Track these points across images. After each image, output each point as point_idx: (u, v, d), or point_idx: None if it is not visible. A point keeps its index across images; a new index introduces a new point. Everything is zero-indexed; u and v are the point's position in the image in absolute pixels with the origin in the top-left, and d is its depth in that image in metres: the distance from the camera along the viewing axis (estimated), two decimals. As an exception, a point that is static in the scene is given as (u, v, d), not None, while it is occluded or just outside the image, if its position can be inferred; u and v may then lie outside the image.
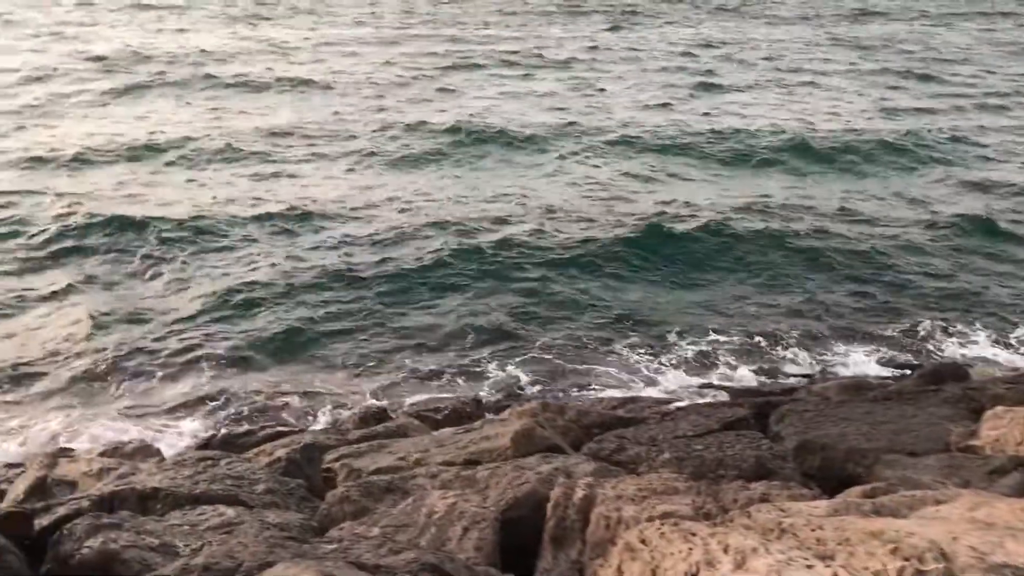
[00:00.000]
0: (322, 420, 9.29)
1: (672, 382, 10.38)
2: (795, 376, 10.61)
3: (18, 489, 6.61)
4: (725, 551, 3.86)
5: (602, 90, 27.30)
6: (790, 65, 32.49)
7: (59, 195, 16.35)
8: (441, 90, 27.02)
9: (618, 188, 17.53)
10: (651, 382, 10.41)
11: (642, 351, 11.08)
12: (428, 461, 6.65)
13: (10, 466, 7.78)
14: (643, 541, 4.10)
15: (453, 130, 21.08)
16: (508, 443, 6.74)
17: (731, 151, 20.08)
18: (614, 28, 42.87)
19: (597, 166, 19.02)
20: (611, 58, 33.59)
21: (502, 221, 15.37)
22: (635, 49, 35.93)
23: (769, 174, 18.84)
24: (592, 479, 5.47)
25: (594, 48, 36.01)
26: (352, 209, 15.92)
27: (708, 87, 28.02)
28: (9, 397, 9.74)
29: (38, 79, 27.42)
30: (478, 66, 31.30)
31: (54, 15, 44.26)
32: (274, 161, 18.91)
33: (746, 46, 37.32)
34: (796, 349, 11.26)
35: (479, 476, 6.08)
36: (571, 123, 22.44)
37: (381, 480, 6.12)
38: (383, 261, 13.41)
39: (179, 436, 8.94)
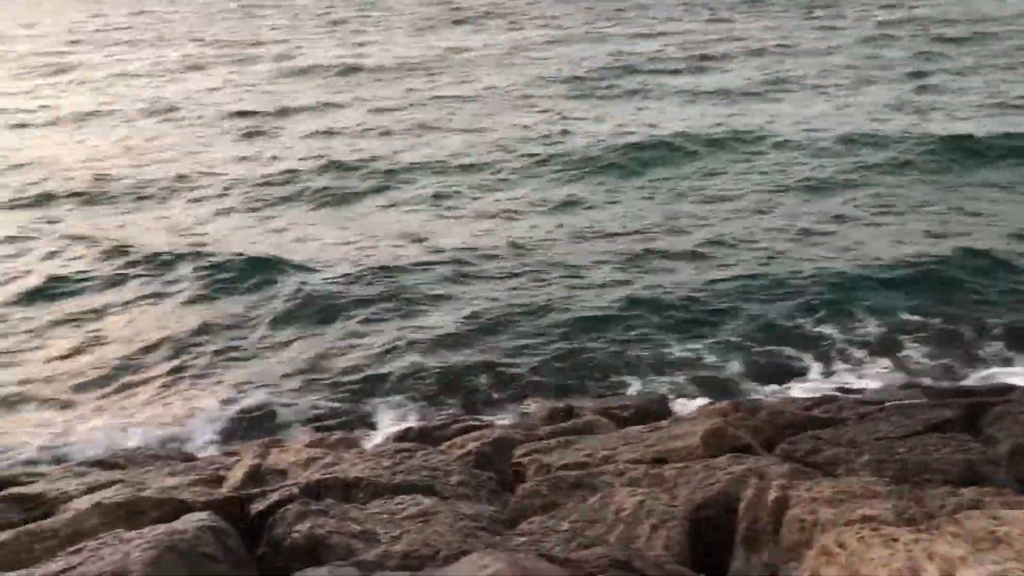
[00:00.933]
0: (511, 416, 9.50)
1: (871, 380, 9.92)
2: (1008, 374, 9.88)
3: (235, 476, 7.10)
4: (930, 559, 3.66)
5: (794, 89, 25.98)
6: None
7: (271, 209, 17.52)
8: (630, 91, 26.75)
9: (812, 190, 16.74)
10: (848, 379, 9.99)
11: (838, 347, 10.66)
12: (615, 458, 6.66)
13: (228, 454, 8.40)
14: (840, 545, 3.95)
15: (644, 140, 20.47)
16: (698, 442, 6.65)
17: (957, 150, 18.20)
18: (809, 14, 41.22)
19: (792, 174, 17.97)
20: (805, 50, 32.12)
21: (699, 226, 15.09)
22: (832, 36, 34.23)
23: (996, 170, 17.19)
24: (786, 481, 5.32)
25: (785, 39, 34.62)
26: (542, 211, 16.15)
27: (916, 75, 25.98)
28: (228, 395, 10.52)
29: (244, 93, 29.47)
30: (669, 62, 30.90)
31: (254, 31, 47.35)
32: (461, 174, 19.28)
33: (964, 24, 34.65)
34: (1007, 342, 10.49)
35: (667, 475, 6.03)
36: (770, 124, 21.42)
37: (569, 476, 6.18)
38: (571, 277, 13.31)
39: (378, 429, 9.40)
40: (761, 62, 29.90)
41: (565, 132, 21.96)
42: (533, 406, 9.60)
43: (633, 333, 11.33)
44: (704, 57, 31.24)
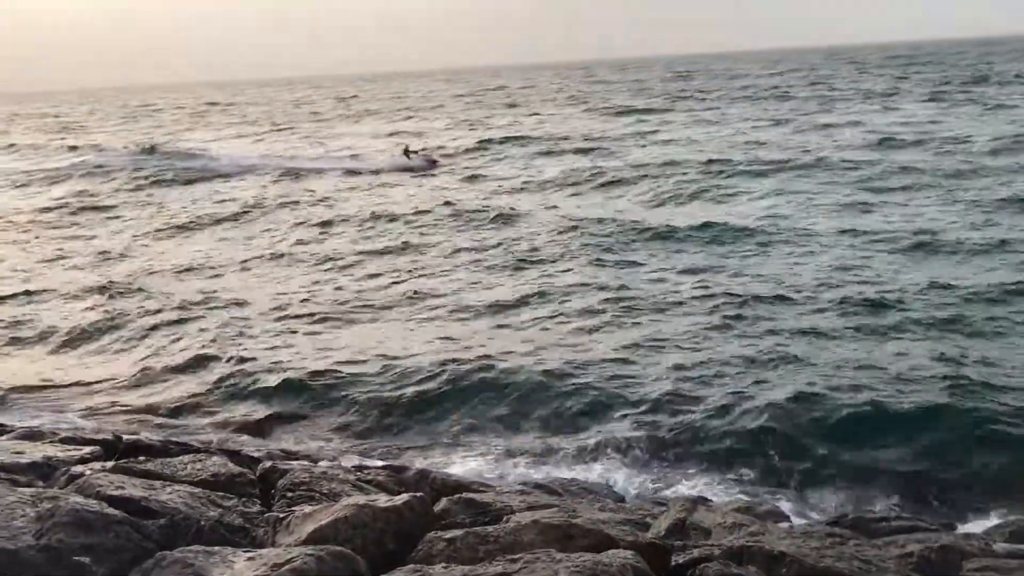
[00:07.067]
0: (963, 524, 8.49)
1: None
2: None
3: (661, 525, 7.21)
4: None
5: None
6: None
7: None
8: None
9: None
10: None
11: None
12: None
13: (656, 503, 8.57)
14: None
15: None
16: None
17: None
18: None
19: None
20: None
21: None
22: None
23: None
24: None
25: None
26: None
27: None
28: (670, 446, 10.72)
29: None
30: None
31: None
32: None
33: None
34: None
35: None
36: None
37: (1030, 603, 5.38)
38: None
39: (807, 508, 8.95)
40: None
41: None
42: (992, 517, 8.52)
43: None
44: None
